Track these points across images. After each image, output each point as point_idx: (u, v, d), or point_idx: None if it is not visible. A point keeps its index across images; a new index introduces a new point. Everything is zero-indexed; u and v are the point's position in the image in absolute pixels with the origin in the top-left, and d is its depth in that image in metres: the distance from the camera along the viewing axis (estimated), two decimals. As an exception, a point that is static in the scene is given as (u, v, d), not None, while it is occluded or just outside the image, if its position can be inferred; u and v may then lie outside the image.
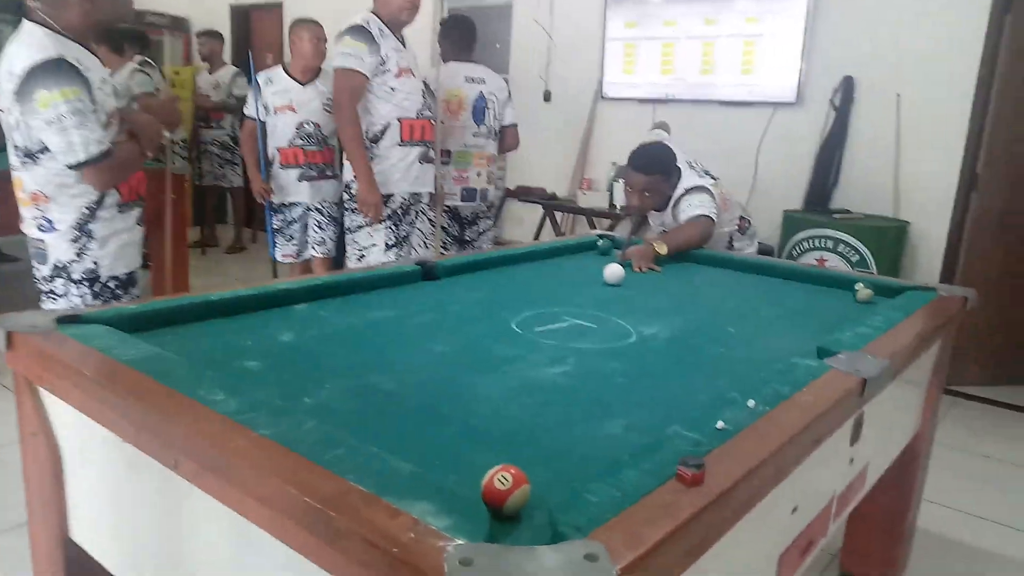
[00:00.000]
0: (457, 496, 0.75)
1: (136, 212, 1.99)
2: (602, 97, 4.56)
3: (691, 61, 4.14)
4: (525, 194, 4.79)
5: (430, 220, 3.10)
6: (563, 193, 4.73)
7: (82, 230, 1.86)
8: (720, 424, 0.94)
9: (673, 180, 2.57)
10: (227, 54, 6.42)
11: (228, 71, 5.79)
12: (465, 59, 3.39)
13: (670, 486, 0.79)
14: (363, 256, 2.89)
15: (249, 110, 3.50)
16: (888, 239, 3.41)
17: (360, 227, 2.87)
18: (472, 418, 1.03)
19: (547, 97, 4.80)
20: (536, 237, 4.75)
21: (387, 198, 2.84)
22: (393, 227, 2.88)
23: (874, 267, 3.34)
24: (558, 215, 4.70)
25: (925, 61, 3.48)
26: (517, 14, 4.89)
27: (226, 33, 6.67)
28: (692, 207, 2.49)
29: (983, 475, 2.82)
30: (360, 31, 2.69)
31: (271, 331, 1.35)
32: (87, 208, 1.85)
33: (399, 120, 2.83)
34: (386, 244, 2.88)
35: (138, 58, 4.73)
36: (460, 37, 3.39)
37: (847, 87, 3.67)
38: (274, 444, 0.84)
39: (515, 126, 3.51)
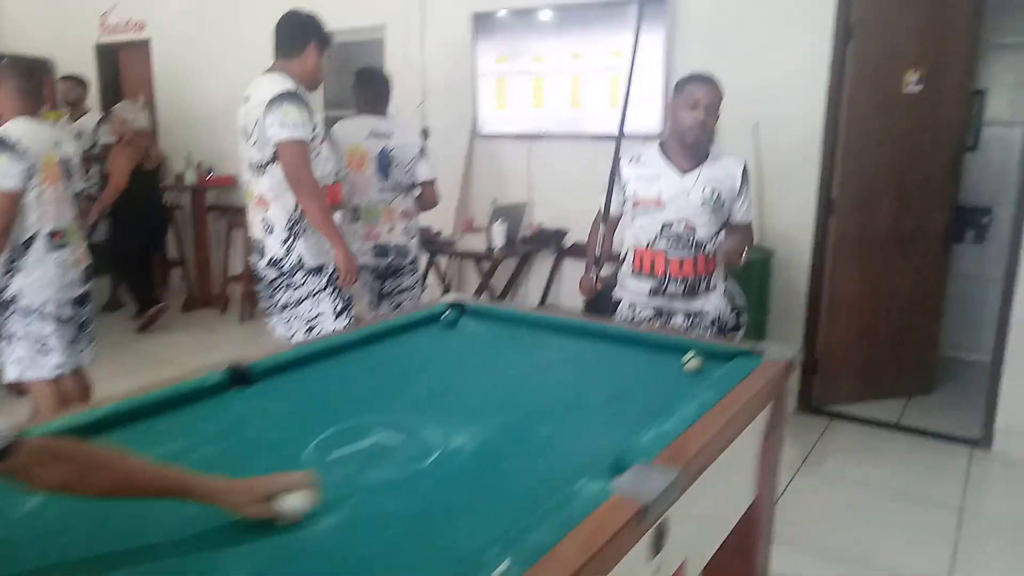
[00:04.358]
0: None
1: None
2: (478, 134, 4.52)
3: (561, 95, 4.14)
4: (410, 234, 4.70)
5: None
6: (449, 232, 4.66)
7: None
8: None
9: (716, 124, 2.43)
10: (95, 97, 6.10)
11: (92, 118, 5.49)
12: (377, 113, 3.35)
13: None
14: (312, 327, 2.78)
15: None
16: (754, 269, 3.48)
17: (301, 300, 2.76)
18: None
19: (425, 134, 4.71)
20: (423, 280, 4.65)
21: (323, 266, 2.77)
22: (338, 293, 2.82)
23: (742, 298, 3.40)
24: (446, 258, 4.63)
25: (778, 91, 3.58)
26: (389, 49, 4.79)
27: (93, 74, 6.35)
28: (750, 201, 2.49)
29: (850, 505, 2.89)
30: (297, 98, 2.61)
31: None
32: None
33: (324, 187, 2.74)
34: (335, 312, 2.81)
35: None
36: (374, 90, 3.38)
37: (708, 119, 3.73)
38: None
39: (432, 182, 3.44)
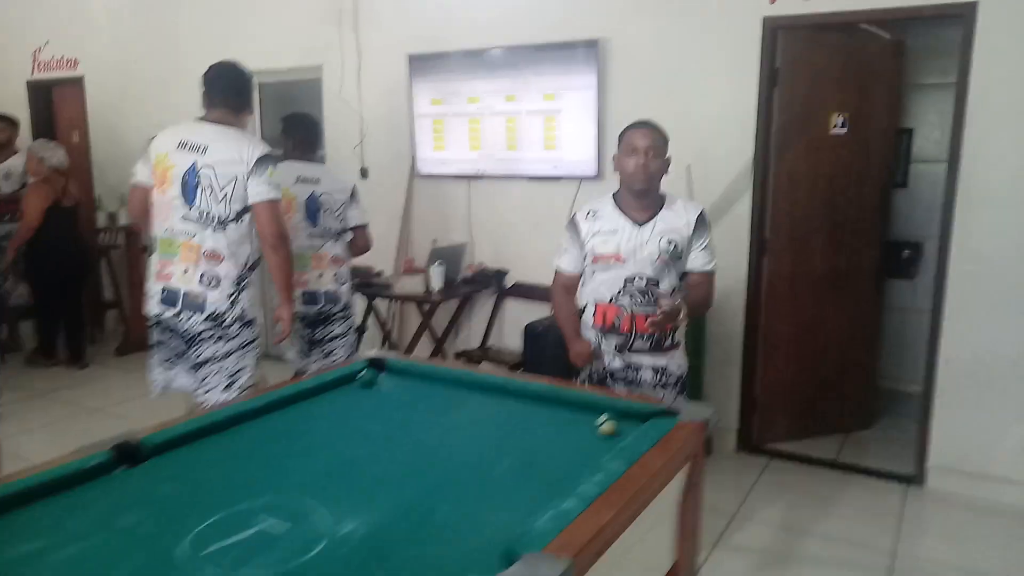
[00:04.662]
0: None
1: None
2: (417, 174, 4.48)
3: (497, 137, 4.13)
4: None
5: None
6: (390, 272, 4.59)
7: None
8: None
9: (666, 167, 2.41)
10: (27, 134, 5.92)
11: (21, 158, 5.31)
12: (305, 158, 3.31)
13: None
14: (233, 382, 2.74)
15: None
16: (689, 310, 3.47)
17: (230, 354, 2.71)
18: None
19: (364, 173, 4.66)
20: (362, 323, 4.56)
21: (252, 320, 2.79)
22: (258, 347, 2.85)
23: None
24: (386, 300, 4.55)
25: (709, 134, 3.61)
26: (326, 90, 4.74)
27: (25, 111, 6.18)
28: (711, 250, 2.44)
29: (784, 552, 2.86)
30: (275, 160, 2.74)
31: None
32: None
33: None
34: (255, 366, 2.83)
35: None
36: (303, 136, 3.33)
37: (642, 160, 3.75)
38: None
39: (364, 227, 3.41)
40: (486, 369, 4.17)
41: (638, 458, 1.59)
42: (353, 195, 3.35)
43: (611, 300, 2.40)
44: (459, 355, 4.27)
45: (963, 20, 3.10)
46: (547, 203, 4.08)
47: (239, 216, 2.65)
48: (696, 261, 2.42)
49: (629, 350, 2.42)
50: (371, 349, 2.45)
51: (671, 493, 1.74)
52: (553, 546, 1.22)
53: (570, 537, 1.26)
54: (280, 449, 1.73)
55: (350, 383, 2.18)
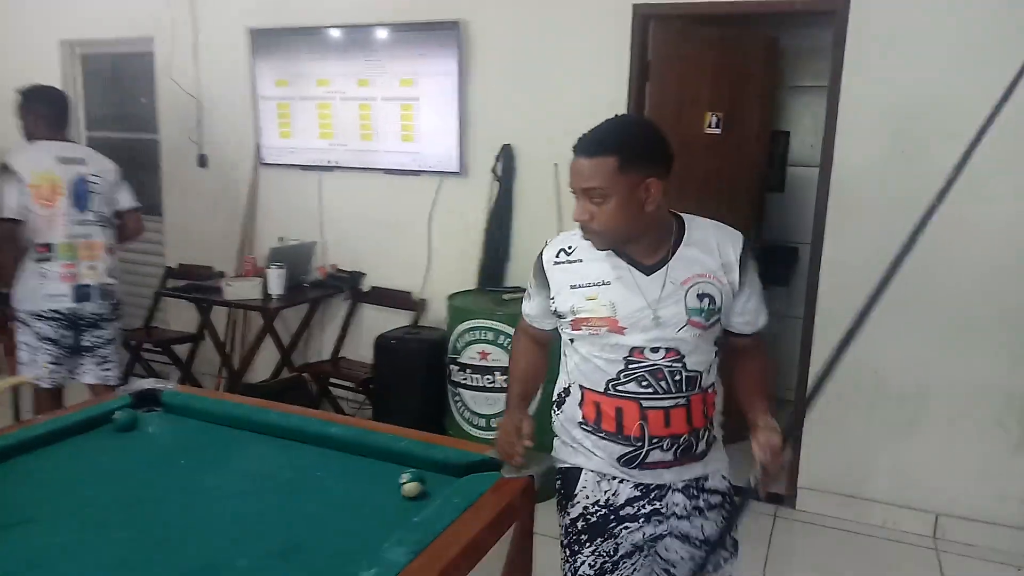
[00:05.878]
0: None
1: None
2: (262, 163, 3.97)
3: (350, 125, 3.69)
4: (185, 276, 4.07)
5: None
6: (232, 272, 4.06)
7: None
8: None
9: (657, 192, 1.40)
10: None
11: None
12: (59, 137, 2.85)
13: None
14: None
15: None
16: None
17: None
18: None
19: (202, 162, 4.10)
20: (198, 333, 4.01)
21: None
22: None
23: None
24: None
25: (579, 130, 3.30)
26: (159, 64, 4.14)
27: None
28: (762, 300, 1.57)
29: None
30: None
31: None
32: None
33: None
34: None
35: None
36: (50, 112, 2.86)
37: (507, 156, 3.43)
38: None
39: (136, 210, 3.04)
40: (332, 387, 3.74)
41: (433, 539, 1.23)
42: (122, 176, 3.01)
43: (608, 388, 1.48)
44: (306, 368, 3.81)
45: (835, 20, 2.94)
46: (406, 200, 3.68)
47: None
48: (743, 317, 1.54)
49: (640, 465, 1.49)
50: (147, 379, 1.98)
51: (488, 568, 1.40)
52: None
53: None
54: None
55: (102, 426, 1.71)
